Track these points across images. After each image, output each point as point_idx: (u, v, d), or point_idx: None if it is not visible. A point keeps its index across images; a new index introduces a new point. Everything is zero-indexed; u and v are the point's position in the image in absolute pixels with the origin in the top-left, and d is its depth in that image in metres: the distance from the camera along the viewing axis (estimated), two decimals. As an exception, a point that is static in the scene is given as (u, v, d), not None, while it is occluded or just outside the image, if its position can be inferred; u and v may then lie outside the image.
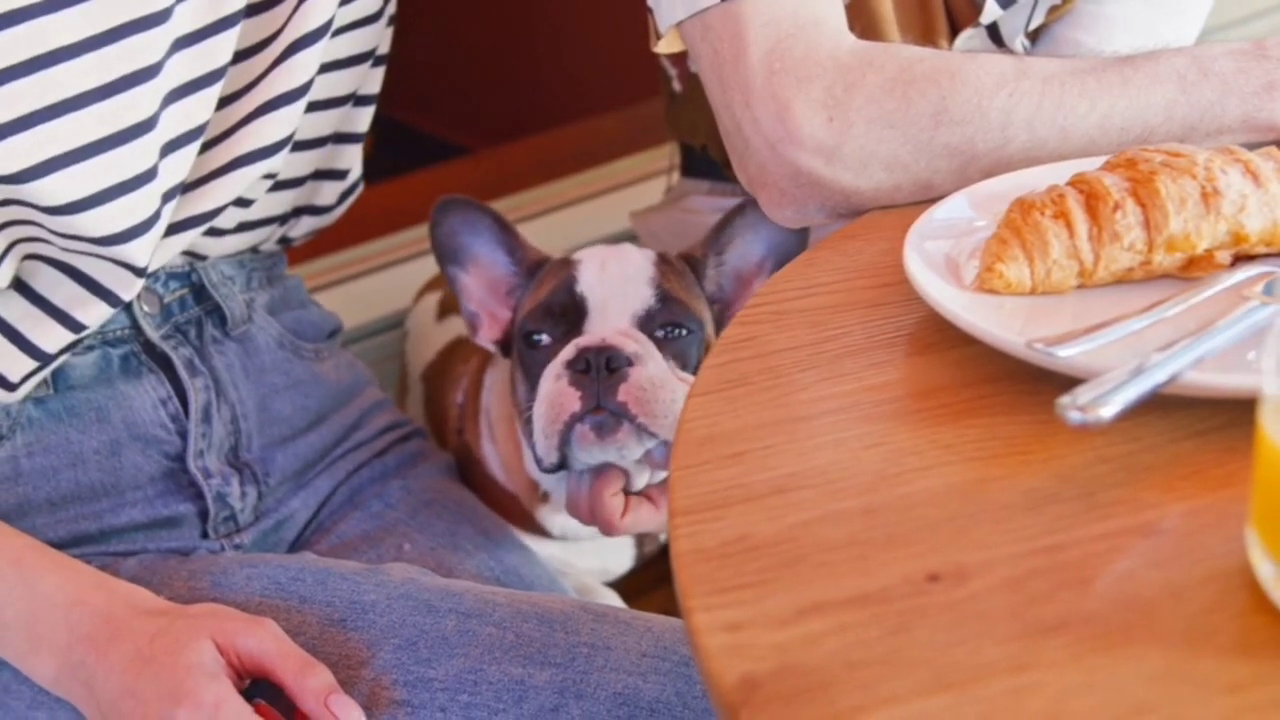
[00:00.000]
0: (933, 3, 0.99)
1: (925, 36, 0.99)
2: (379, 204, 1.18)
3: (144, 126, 0.78)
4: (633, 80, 1.95)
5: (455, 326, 1.26)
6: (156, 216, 0.80)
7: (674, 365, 0.91)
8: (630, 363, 0.88)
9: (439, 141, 2.43)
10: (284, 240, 0.99)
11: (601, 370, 0.88)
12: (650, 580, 1.16)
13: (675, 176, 1.33)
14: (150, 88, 0.77)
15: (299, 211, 0.97)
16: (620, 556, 1.11)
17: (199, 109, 0.81)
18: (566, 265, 0.97)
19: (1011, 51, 1.00)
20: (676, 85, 1.23)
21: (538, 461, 0.92)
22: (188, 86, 0.80)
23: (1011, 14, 0.98)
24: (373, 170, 1.02)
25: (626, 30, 2.10)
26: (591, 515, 0.92)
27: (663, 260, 0.97)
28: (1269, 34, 0.86)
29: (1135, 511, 0.53)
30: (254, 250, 0.96)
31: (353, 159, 0.99)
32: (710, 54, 0.83)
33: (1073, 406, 0.53)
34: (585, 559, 1.10)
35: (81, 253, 0.81)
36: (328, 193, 0.98)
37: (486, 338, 1.02)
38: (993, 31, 1.00)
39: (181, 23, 0.79)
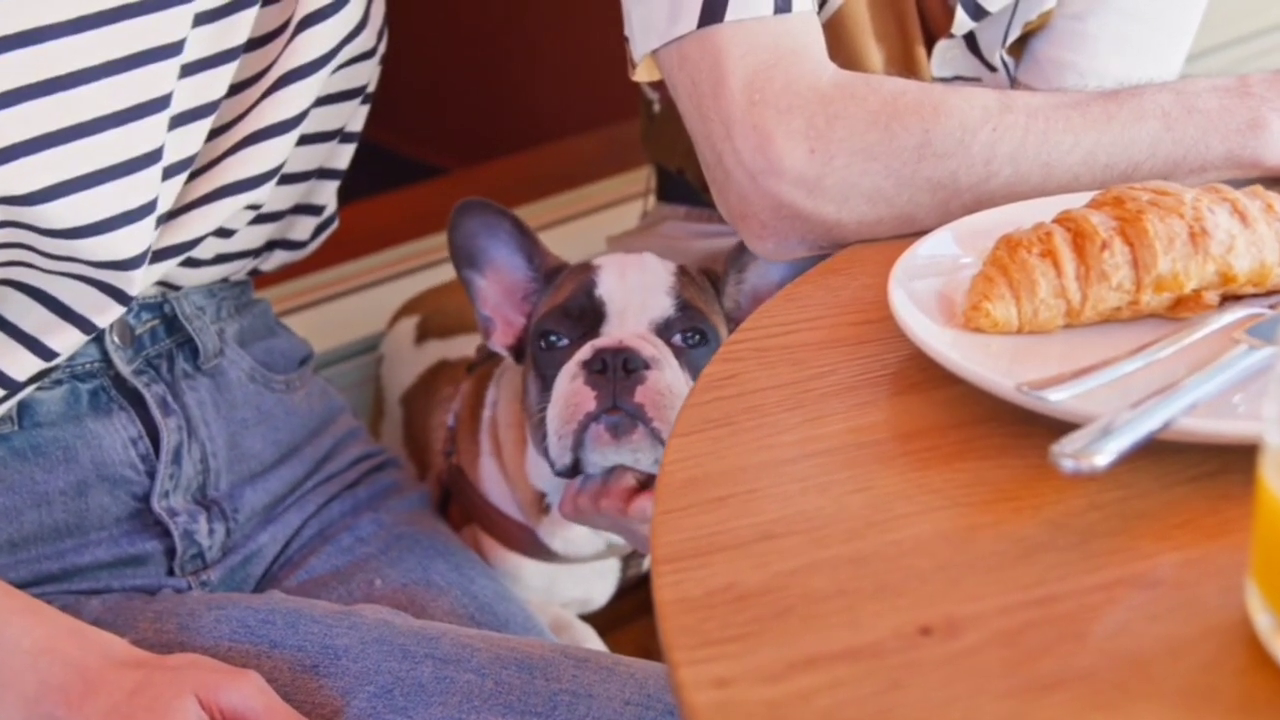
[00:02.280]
0: (908, 12, 0.98)
1: (902, 46, 0.98)
2: (352, 226, 1.17)
3: (154, 156, 0.77)
4: (608, 102, 1.94)
5: (436, 350, 1.24)
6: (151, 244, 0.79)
7: (688, 376, 0.90)
8: (648, 366, 0.88)
9: (412, 162, 2.42)
10: (254, 272, 0.97)
11: (619, 371, 0.87)
12: (628, 612, 1.14)
13: (651, 200, 1.32)
14: (161, 117, 0.76)
15: (272, 245, 0.96)
16: (605, 584, 1.10)
17: (192, 138, 0.80)
18: (586, 269, 0.96)
19: (990, 64, 0.99)
20: (656, 107, 1.22)
21: (551, 463, 0.91)
22: (185, 116, 0.79)
23: (986, 26, 0.98)
24: (346, 192, 1.01)
25: (602, 51, 2.10)
26: (596, 500, 0.90)
27: (683, 271, 0.96)
28: (1253, 58, 0.85)
29: (1129, 561, 0.52)
30: (224, 280, 0.94)
31: (330, 195, 0.97)
32: (688, 84, 0.82)
33: (1066, 454, 0.52)
34: (570, 587, 1.08)
35: (68, 275, 0.79)
36: (303, 228, 0.97)
37: (500, 343, 1.01)
38: (970, 42, 1.00)
39: (189, 52, 0.78)
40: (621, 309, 0.93)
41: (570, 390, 0.88)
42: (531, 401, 0.96)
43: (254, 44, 0.83)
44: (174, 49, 0.76)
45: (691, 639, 0.50)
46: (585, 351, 0.89)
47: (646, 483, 0.91)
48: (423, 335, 1.28)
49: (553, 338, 0.93)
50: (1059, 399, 0.58)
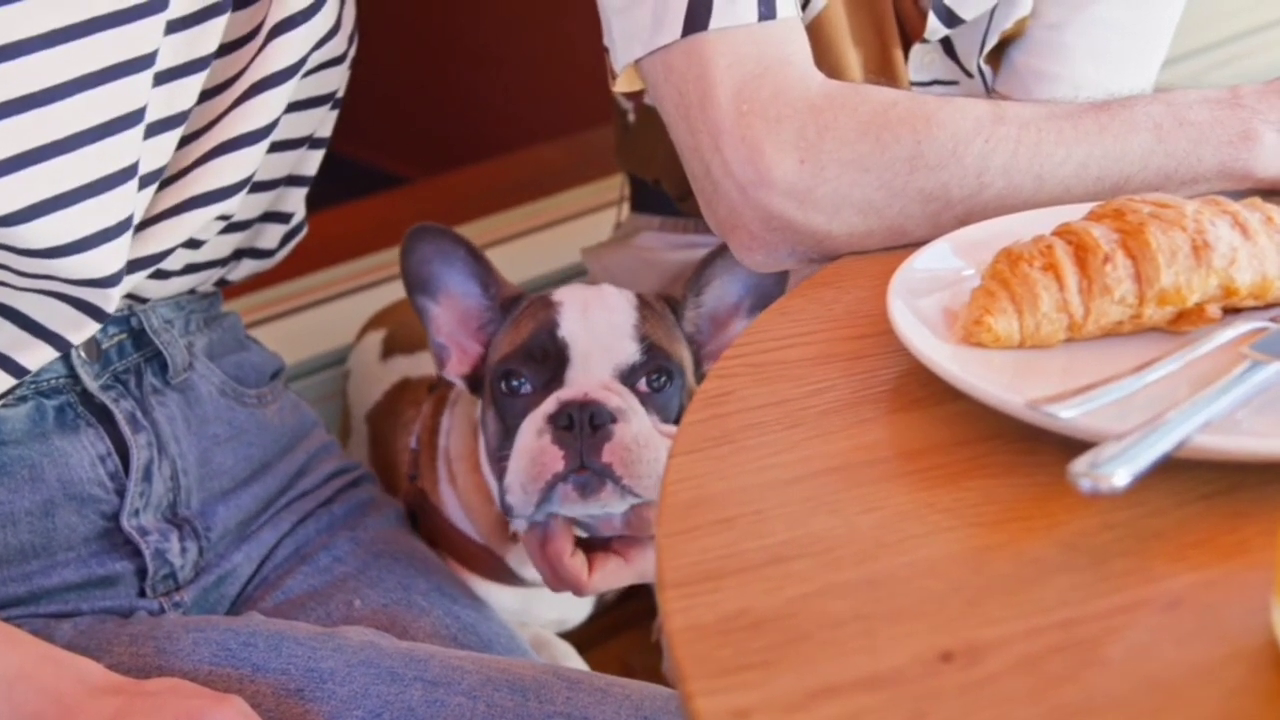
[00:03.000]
0: (886, 16, 0.98)
1: (879, 49, 0.98)
2: (317, 235, 1.14)
3: (130, 170, 0.75)
4: (576, 110, 1.93)
5: (401, 367, 1.22)
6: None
7: (656, 419, 0.88)
8: (614, 419, 0.85)
9: (375, 171, 2.39)
10: (221, 282, 0.95)
11: (585, 427, 0.85)
12: (603, 630, 1.13)
13: (625, 210, 1.30)
14: (137, 130, 0.74)
15: (240, 254, 0.93)
16: (580, 604, 1.08)
17: (163, 149, 0.78)
18: (547, 306, 0.94)
19: (968, 71, 0.99)
20: (631, 117, 1.20)
21: (508, 509, 0.89)
22: (156, 126, 0.77)
23: (962, 33, 0.97)
24: (308, 201, 0.98)
25: (568, 59, 2.08)
26: (558, 580, 0.89)
27: (644, 304, 0.94)
28: (1226, 63, 0.86)
29: (1148, 582, 0.51)
30: (191, 292, 0.92)
31: (298, 202, 0.95)
32: (675, 96, 0.81)
33: (1084, 474, 0.51)
34: (544, 609, 1.06)
35: (43, 292, 0.76)
36: (270, 236, 0.94)
37: (455, 372, 0.99)
38: (947, 48, 0.99)
39: (160, 61, 0.75)
40: (585, 352, 0.91)
41: (537, 448, 0.87)
42: (492, 441, 0.94)
43: (224, 50, 0.81)
44: (148, 60, 0.74)
45: (706, 668, 0.48)
46: (550, 404, 0.87)
47: (583, 544, 0.91)
48: (389, 350, 1.26)
49: (515, 382, 0.91)
50: (1069, 416, 0.57)
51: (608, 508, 0.86)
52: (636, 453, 0.85)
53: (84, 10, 0.71)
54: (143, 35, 0.73)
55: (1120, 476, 0.51)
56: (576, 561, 0.88)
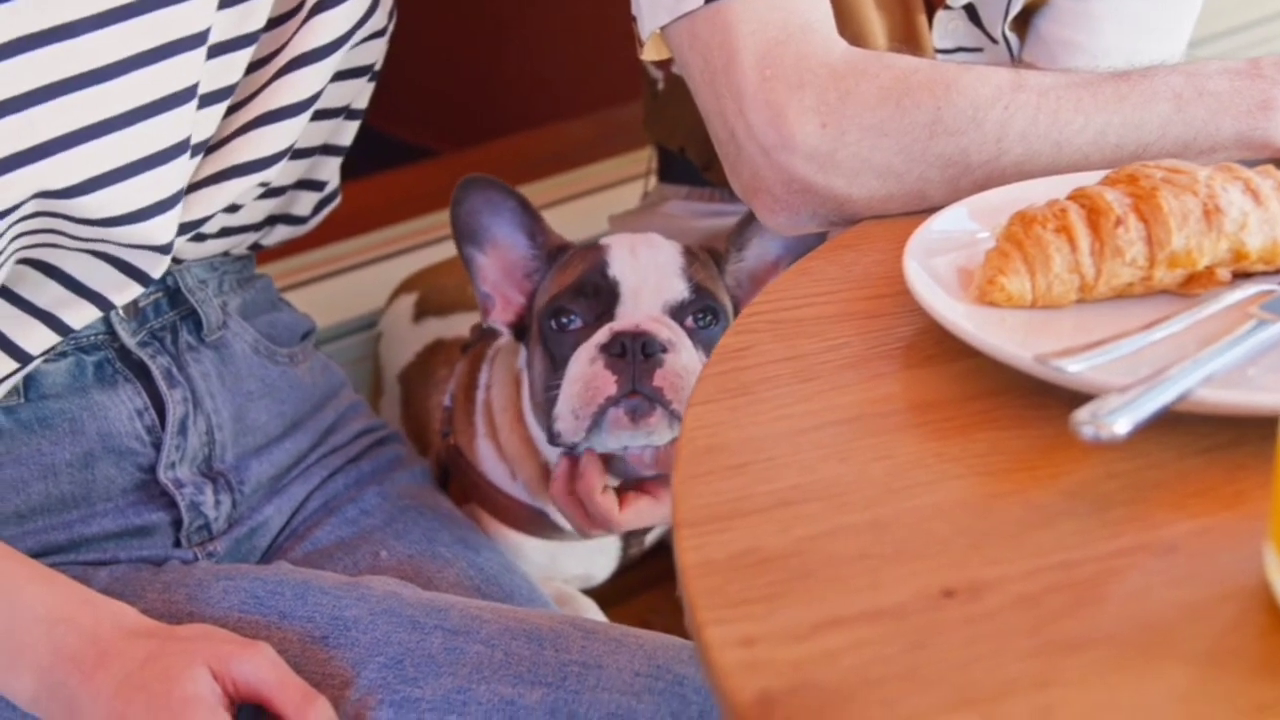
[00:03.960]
0: None
1: (903, 15, 0.99)
2: (349, 204, 1.17)
3: (183, 145, 0.77)
4: (607, 83, 1.94)
5: (433, 329, 1.24)
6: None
7: (702, 356, 0.91)
8: (664, 349, 0.88)
9: (405, 144, 2.41)
10: (255, 246, 0.97)
11: (637, 355, 0.88)
12: (627, 588, 1.15)
13: (652, 181, 1.32)
14: (190, 106, 0.77)
15: (274, 220, 0.96)
16: (606, 560, 1.10)
17: (210, 120, 0.80)
18: (596, 250, 0.96)
19: (993, 37, 1.00)
20: (660, 85, 1.22)
21: (554, 437, 0.91)
22: (205, 99, 0.80)
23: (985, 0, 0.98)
24: (342, 171, 1.01)
25: (600, 32, 2.10)
26: (589, 520, 0.91)
27: (689, 251, 0.96)
28: (1261, 43, 0.86)
29: (1147, 529, 0.53)
30: (225, 254, 0.94)
31: (333, 171, 0.97)
32: (699, 62, 0.83)
33: (1086, 423, 0.53)
34: (571, 564, 1.09)
35: (95, 254, 0.79)
36: (305, 203, 0.97)
37: (499, 320, 1.01)
38: (972, 14, 1.00)
39: (211, 37, 0.78)
40: (635, 289, 0.93)
41: (590, 374, 0.89)
42: (538, 380, 0.96)
43: (270, 25, 0.83)
44: (200, 37, 0.76)
45: (716, 600, 0.50)
46: (603, 335, 0.90)
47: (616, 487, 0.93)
48: (421, 313, 1.28)
49: (565, 319, 0.93)
50: (1076, 369, 0.58)
51: (654, 436, 0.88)
52: (686, 380, 0.87)
53: None
54: (194, 13, 0.76)
55: (1121, 425, 0.52)
56: (607, 498, 0.91)
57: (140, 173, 0.75)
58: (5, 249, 0.76)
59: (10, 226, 0.74)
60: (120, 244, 0.78)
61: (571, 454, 0.94)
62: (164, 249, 0.79)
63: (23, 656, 0.70)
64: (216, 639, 0.72)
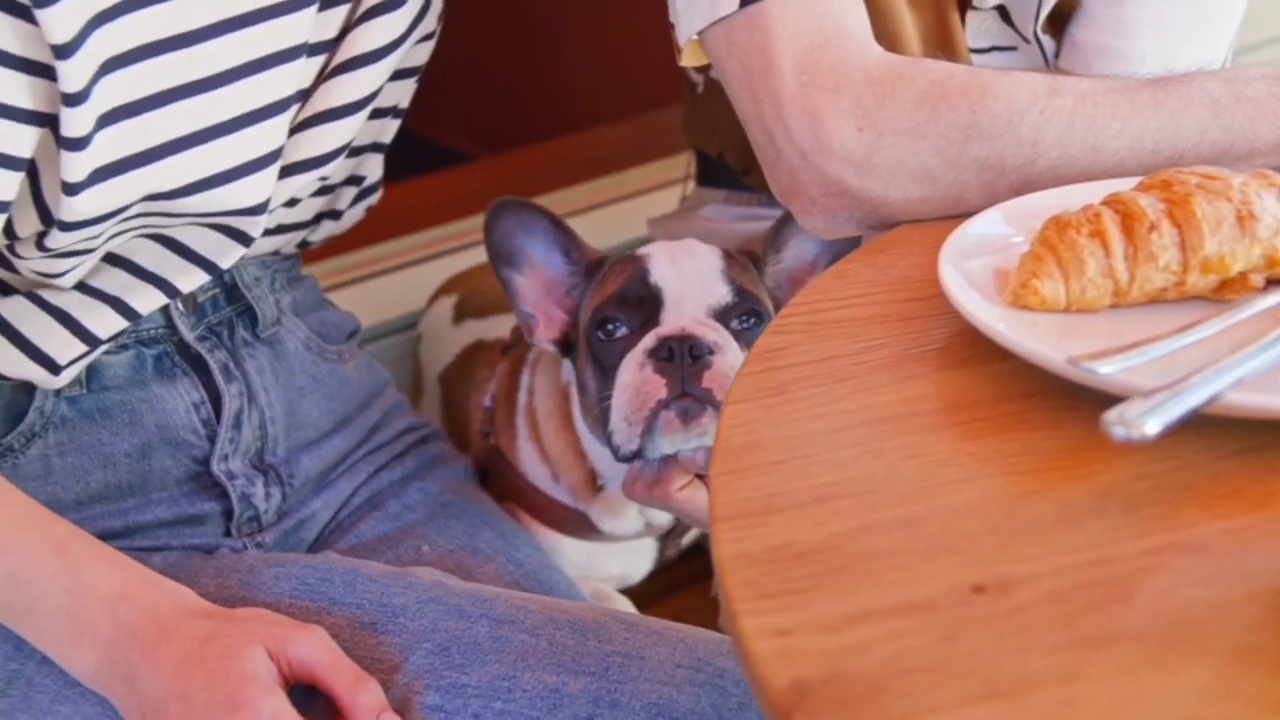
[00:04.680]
0: None
1: (936, 14, 0.99)
2: (390, 207, 1.20)
3: (277, 152, 0.81)
4: (646, 88, 1.96)
5: (473, 330, 1.26)
6: None
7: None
8: (712, 351, 0.89)
9: (445, 149, 2.44)
10: (303, 244, 1.00)
11: (685, 358, 0.89)
12: (662, 588, 1.16)
13: (691, 185, 1.34)
14: (287, 115, 0.80)
15: (320, 216, 0.98)
16: (642, 560, 1.12)
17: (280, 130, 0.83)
18: (635, 260, 0.98)
19: (1025, 38, 1.00)
20: (700, 89, 1.23)
21: (614, 450, 0.93)
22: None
23: (1015, 1, 0.99)
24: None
25: (639, 37, 2.11)
26: (651, 487, 0.92)
27: (728, 254, 0.98)
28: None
29: (1176, 529, 0.53)
30: (275, 253, 0.97)
31: (376, 167, 0.99)
32: (737, 67, 0.84)
33: (1117, 423, 0.53)
34: (608, 564, 1.10)
35: (167, 244, 0.83)
36: (346, 198, 0.99)
37: (544, 338, 1.02)
38: (1004, 15, 1.00)
39: None
40: (678, 295, 0.94)
41: (640, 379, 0.90)
42: (591, 392, 0.97)
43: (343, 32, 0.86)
44: (301, 50, 0.79)
45: (752, 591, 0.51)
46: (650, 340, 0.91)
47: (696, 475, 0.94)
48: (460, 315, 1.30)
49: (611, 326, 0.95)
50: (1108, 372, 0.59)
51: (706, 436, 0.90)
52: None
53: (251, 2, 0.76)
54: (298, 26, 0.78)
55: (1151, 426, 0.53)
56: (684, 494, 0.92)
57: (241, 177, 0.78)
58: (98, 247, 0.79)
59: (114, 225, 0.77)
60: (215, 224, 0.82)
61: (642, 462, 0.95)
62: (246, 241, 0.83)
63: (86, 632, 0.73)
64: (272, 621, 0.75)
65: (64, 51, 0.69)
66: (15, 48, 0.69)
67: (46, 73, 0.70)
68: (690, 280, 0.95)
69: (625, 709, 0.74)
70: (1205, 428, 0.58)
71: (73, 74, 0.69)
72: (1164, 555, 0.52)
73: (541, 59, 2.53)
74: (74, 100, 0.70)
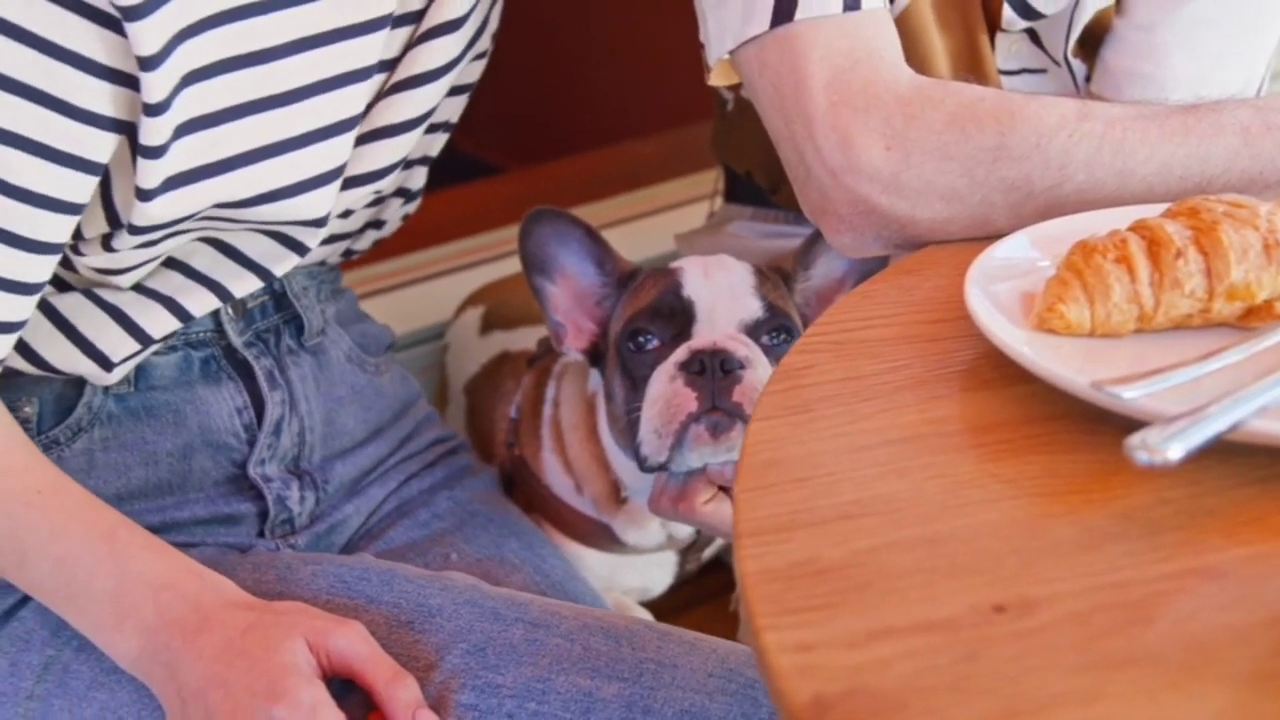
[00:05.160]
0: (972, 3, 0.99)
1: (965, 37, 1.00)
2: (420, 218, 1.21)
3: (342, 168, 0.83)
4: (675, 104, 1.97)
5: (499, 341, 1.28)
6: None
7: None
8: (743, 366, 0.90)
9: (472, 160, 2.46)
10: (348, 253, 1.01)
11: (716, 372, 0.90)
12: (682, 602, 1.17)
13: (719, 202, 1.34)
14: (353, 133, 0.82)
15: (367, 226, 1.00)
16: (663, 574, 1.12)
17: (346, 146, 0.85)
18: (668, 273, 0.99)
19: (1055, 60, 1.01)
20: (730, 107, 1.24)
21: (641, 461, 0.93)
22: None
23: (1046, 26, 0.99)
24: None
25: (669, 53, 2.13)
26: (677, 500, 0.93)
27: (759, 270, 0.98)
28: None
29: (1198, 554, 0.54)
30: (322, 262, 0.98)
31: (421, 178, 1.01)
32: (769, 89, 0.85)
33: (1140, 447, 0.54)
34: (630, 577, 1.11)
35: (219, 248, 0.85)
36: (393, 209, 1.01)
37: (573, 347, 1.03)
38: (1034, 37, 1.01)
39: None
40: (710, 309, 0.95)
41: (670, 391, 0.91)
42: (619, 402, 0.98)
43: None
44: (372, 70, 0.81)
45: (774, 607, 0.52)
46: (681, 353, 0.92)
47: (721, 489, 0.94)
48: (487, 326, 1.32)
49: (642, 339, 0.95)
50: (1132, 397, 0.60)
51: (734, 451, 0.90)
52: None
53: (327, 22, 0.77)
54: (369, 47, 0.80)
55: (1174, 451, 0.54)
56: (708, 509, 0.93)
57: (307, 191, 0.80)
58: (162, 251, 0.81)
59: (180, 231, 0.79)
60: (274, 231, 0.84)
61: (668, 475, 0.95)
62: (303, 251, 0.86)
63: (129, 618, 0.74)
64: (313, 614, 0.76)
65: (149, 64, 0.71)
66: (103, 57, 0.71)
67: (130, 83, 0.72)
68: (722, 295, 0.96)
69: (658, 715, 0.75)
70: (1228, 454, 0.58)
71: (156, 85, 0.71)
72: (1185, 580, 0.53)
73: (572, 74, 2.55)
74: (155, 110, 0.72)
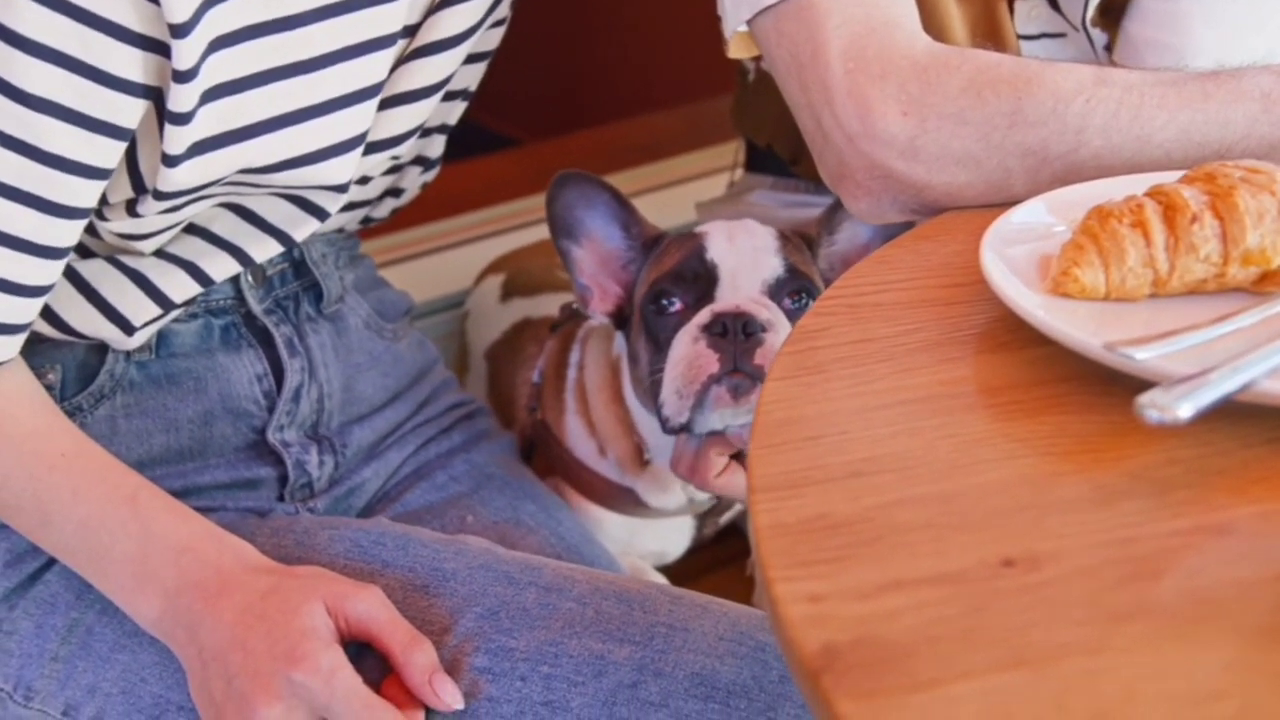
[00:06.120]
0: None
1: (982, 2, 1.00)
2: (441, 188, 1.22)
3: (362, 137, 0.83)
4: (695, 76, 1.97)
5: (520, 308, 1.29)
6: None
7: None
8: (764, 329, 0.91)
9: (492, 133, 2.46)
10: (366, 220, 1.02)
11: (739, 334, 0.90)
12: (698, 567, 1.18)
13: (739, 173, 1.35)
14: (375, 100, 0.83)
15: (385, 194, 1.00)
16: (680, 538, 1.13)
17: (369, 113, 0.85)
18: (693, 237, 0.99)
19: (1074, 25, 1.00)
20: (751, 77, 1.24)
21: (664, 422, 0.94)
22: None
23: None
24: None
25: (689, 25, 2.13)
26: (692, 469, 0.94)
27: (783, 235, 0.99)
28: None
29: (1206, 512, 0.54)
30: (340, 229, 0.99)
31: (440, 147, 1.02)
32: (787, 57, 0.85)
33: (1151, 405, 0.54)
34: (648, 540, 1.12)
35: (237, 212, 0.85)
36: (412, 177, 1.01)
37: (599, 309, 1.04)
38: (1053, 2, 1.01)
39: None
40: (733, 272, 0.96)
41: (693, 353, 0.91)
42: (643, 364, 0.99)
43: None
44: (395, 36, 0.82)
45: (786, 560, 0.53)
46: (704, 316, 0.93)
47: (736, 457, 0.95)
48: (508, 293, 1.33)
49: (665, 301, 0.96)
50: (1144, 358, 0.60)
51: (754, 413, 0.91)
52: None
53: None
54: (393, 14, 0.81)
55: (1184, 410, 0.54)
56: (718, 461, 0.94)
57: (331, 157, 0.81)
58: (185, 216, 0.82)
59: (204, 196, 0.80)
60: (295, 194, 0.85)
61: (687, 436, 0.96)
62: (323, 217, 0.86)
63: (151, 580, 0.76)
64: (332, 579, 0.77)
65: (181, 31, 0.72)
66: (136, 25, 0.72)
67: (161, 49, 0.73)
68: (745, 258, 0.96)
69: (669, 678, 0.76)
70: (1238, 415, 0.58)
71: (186, 51, 0.72)
72: (1193, 537, 0.53)
73: (592, 46, 2.55)
74: (184, 77, 0.73)
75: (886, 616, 0.50)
